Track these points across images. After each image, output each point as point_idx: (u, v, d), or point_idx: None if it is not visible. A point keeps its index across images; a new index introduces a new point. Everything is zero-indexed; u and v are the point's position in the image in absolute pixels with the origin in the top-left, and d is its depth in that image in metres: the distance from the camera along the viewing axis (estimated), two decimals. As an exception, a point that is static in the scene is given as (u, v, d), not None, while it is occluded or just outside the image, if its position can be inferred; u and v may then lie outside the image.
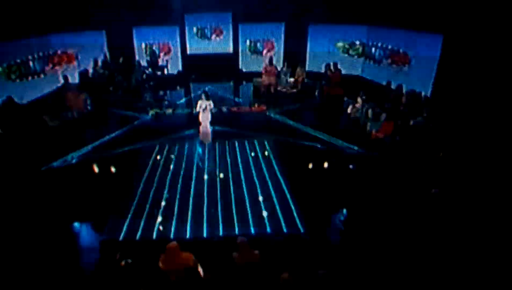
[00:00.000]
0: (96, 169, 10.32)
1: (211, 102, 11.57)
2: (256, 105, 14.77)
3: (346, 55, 17.23)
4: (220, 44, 19.31)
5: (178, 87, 18.01)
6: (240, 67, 18.86)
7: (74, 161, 10.80)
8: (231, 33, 18.96)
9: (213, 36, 19.15)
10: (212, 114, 11.78)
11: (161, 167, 10.42)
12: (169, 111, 14.67)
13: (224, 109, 14.68)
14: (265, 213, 8.41)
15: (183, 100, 16.13)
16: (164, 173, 10.14)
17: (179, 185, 9.58)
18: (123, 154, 11.20)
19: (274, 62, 16.39)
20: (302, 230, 7.89)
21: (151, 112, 14.43)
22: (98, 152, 11.34)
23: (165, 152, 11.32)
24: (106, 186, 9.46)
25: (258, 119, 13.96)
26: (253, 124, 13.40)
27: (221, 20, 18.90)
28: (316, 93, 15.39)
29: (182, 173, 10.15)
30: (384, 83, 14.97)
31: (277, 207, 8.64)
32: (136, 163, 10.66)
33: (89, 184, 9.58)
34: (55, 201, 8.77)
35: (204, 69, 18.71)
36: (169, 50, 18.52)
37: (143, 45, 18.39)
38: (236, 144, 11.86)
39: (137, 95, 16.02)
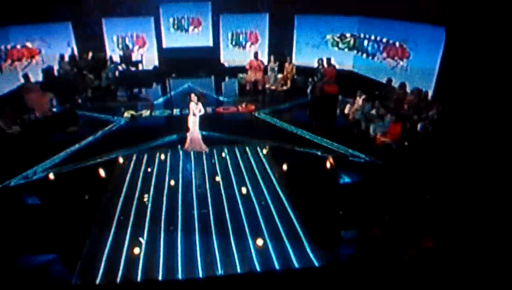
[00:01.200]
0: (62, 188, 8.72)
1: (200, 106, 10.05)
2: (243, 105, 13.31)
3: (335, 48, 15.93)
4: (198, 36, 17.71)
5: (154, 84, 16.35)
6: (222, 61, 17.31)
7: (36, 177, 9.16)
8: (210, 24, 17.40)
9: (191, 28, 17.55)
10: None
11: (140, 186, 8.80)
12: (147, 113, 13.07)
13: (209, 109, 13.19)
14: (269, 244, 7.00)
15: (161, 100, 14.51)
16: (143, 194, 8.50)
17: (163, 213, 7.83)
18: (95, 167, 9.57)
19: (259, 56, 15.01)
20: (317, 264, 6.57)
21: (126, 115, 12.81)
22: (66, 164, 9.71)
23: (143, 165, 9.76)
24: (75, 211, 7.85)
25: (247, 121, 12.49)
26: (242, 127, 11.92)
27: (200, 11, 17.29)
28: (308, 91, 14.05)
29: (165, 194, 8.46)
30: (379, 79, 13.86)
31: (284, 236, 7.23)
32: (110, 179, 9.08)
33: (54, 207, 7.93)
34: (10, 231, 7.19)
35: (182, 64, 17.10)
36: (144, 43, 16.80)
37: (115, 38, 16.58)
38: (226, 151, 10.44)
39: (110, 94, 14.34)
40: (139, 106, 13.65)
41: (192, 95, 9.92)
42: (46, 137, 11.19)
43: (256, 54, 14.75)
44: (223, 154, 10.26)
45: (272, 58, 14.84)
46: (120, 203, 8.09)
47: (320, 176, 9.27)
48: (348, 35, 15.55)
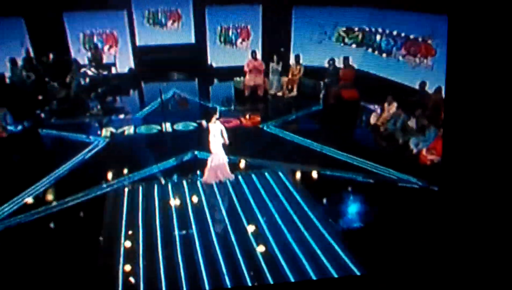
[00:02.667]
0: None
1: (221, 126, 8.10)
2: (247, 116, 11.26)
3: (341, 44, 14.13)
4: (177, 32, 15.45)
5: (131, 91, 14.00)
6: (209, 61, 15.12)
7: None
8: (192, 18, 15.18)
9: (169, 23, 15.26)
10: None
11: (134, 243, 6.65)
12: (130, 130, 10.79)
13: (205, 122, 11.09)
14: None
15: (145, 111, 12.15)
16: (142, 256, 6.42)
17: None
18: (66, 213, 7.35)
19: (259, 56, 13.01)
20: None
21: (104, 134, 10.48)
22: (25, 210, 7.40)
23: (140, 206, 7.58)
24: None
25: (256, 137, 10.46)
26: (252, 145, 9.91)
27: (179, 2, 15.05)
28: (321, 97, 12.17)
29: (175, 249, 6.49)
30: (400, 80, 12.19)
31: None
32: (90, 232, 6.85)
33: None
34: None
35: (161, 66, 14.83)
36: (116, 42, 14.37)
37: (81, 37, 14.09)
38: (241, 179, 8.46)
39: (80, 106, 11.91)
40: (119, 120, 11.33)
41: (215, 116, 7.97)
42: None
43: (254, 53, 12.72)
44: (241, 184, 8.29)
45: (275, 57, 12.81)
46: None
47: (374, 211, 7.43)
48: (356, 29, 13.76)
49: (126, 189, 8.01)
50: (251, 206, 7.58)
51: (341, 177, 8.45)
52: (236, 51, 14.77)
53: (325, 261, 6.20)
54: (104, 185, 8.14)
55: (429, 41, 11.45)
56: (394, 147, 9.66)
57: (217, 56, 14.97)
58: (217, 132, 8.00)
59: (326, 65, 12.10)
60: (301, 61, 12.72)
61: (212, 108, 8.51)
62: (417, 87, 11.23)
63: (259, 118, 11.22)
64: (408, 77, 11.95)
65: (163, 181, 8.31)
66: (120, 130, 10.70)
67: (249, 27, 14.85)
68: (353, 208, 7.61)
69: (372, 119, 10.66)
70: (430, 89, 10.73)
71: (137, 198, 7.78)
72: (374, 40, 13.40)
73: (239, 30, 14.83)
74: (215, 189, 8.21)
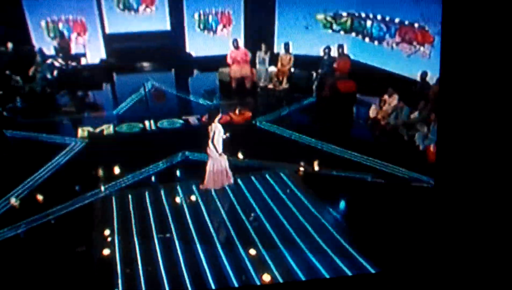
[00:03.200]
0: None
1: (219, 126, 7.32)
2: (237, 112, 10.45)
3: (329, 31, 13.46)
4: (151, 18, 14.35)
5: (104, 84, 12.84)
6: (188, 50, 14.10)
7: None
8: (166, 2, 14.12)
9: (141, 8, 14.15)
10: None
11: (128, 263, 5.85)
12: (109, 129, 9.80)
13: (194, 119, 10.25)
14: None
15: (124, 106, 11.11)
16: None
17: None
18: (41, 230, 6.44)
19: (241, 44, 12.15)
20: None
21: (80, 134, 9.46)
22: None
23: (133, 222, 6.74)
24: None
25: (249, 134, 9.69)
26: (246, 143, 9.15)
27: (152, -15, 13.98)
28: (314, 89, 11.49)
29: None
30: (394, 70, 11.67)
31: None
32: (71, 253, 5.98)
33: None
34: None
35: (135, 56, 13.76)
36: (84, 30, 13.12)
37: (43, 24, 12.75)
38: (240, 182, 7.75)
39: (49, 102, 10.77)
40: (94, 118, 10.31)
41: (219, 116, 7.26)
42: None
43: (235, 42, 11.87)
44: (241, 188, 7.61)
45: (262, 46, 11.99)
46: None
47: (389, 215, 6.89)
48: (344, 14, 13.11)
49: (114, 199, 7.16)
50: (255, 211, 6.94)
51: (351, 178, 7.90)
52: (217, 38, 13.85)
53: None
54: (87, 195, 7.24)
55: (426, 28, 10.97)
56: (399, 143, 9.17)
57: (196, 45, 13.98)
58: (219, 134, 7.25)
59: (322, 53, 11.40)
60: (290, 50, 11.97)
61: (214, 106, 7.68)
62: (413, 77, 10.82)
63: (250, 114, 10.47)
64: (403, 67, 11.47)
65: (154, 188, 7.50)
66: (98, 130, 9.69)
67: (230, 12, 13.92)
68: (368, 211, 7.06)
69: (372, 113, 10.12)
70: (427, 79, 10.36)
71: (127, 208, 6.94)
72: (365, 26, 12.80)
73: (219, 16, 13.88)
74: (214, 195, 7.50)
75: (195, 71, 13.99)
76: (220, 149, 7.35)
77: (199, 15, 13.79)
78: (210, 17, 13.87)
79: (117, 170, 8.01)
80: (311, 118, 10.90)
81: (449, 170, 7.47)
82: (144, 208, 6.97)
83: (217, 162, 7.35)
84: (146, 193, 7.32)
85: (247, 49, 12.10)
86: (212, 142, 7.26)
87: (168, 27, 14.44)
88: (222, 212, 7.06)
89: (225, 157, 7.41)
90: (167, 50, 14.07)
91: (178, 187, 7.61)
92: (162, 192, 7.39)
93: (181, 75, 13.94)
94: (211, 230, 6.53)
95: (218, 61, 12.45)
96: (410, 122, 9.30)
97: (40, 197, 7.23)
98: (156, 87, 12.21)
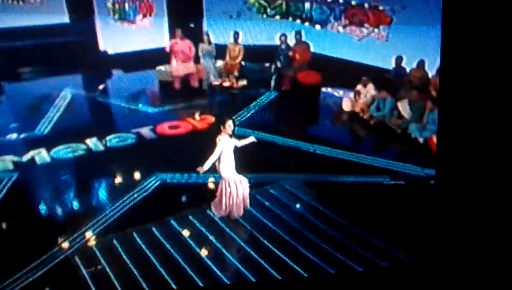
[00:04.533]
0: None
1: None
2: (196, 117, 8.99)
3: (263, 16, 12.46)
4: (42, 7, 11.81)
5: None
6: (103, 47, 11.89)
7: None
8: (63, -13, 11.77)
9: (28, -5, 11.60)
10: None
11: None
12: (41, 155, 7.60)
13: (147, 131, 8.53)
14: None
15: (46, 123, 8.73)
16: None
17: None
18: None
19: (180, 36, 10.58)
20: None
21: (2, 166, 7.15)
22: None
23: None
24: None
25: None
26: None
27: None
28: (272, 83, 10.45)
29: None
30: (346, 57, 11.17)
31: None
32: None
33: None
34: None
35: (29, 56, 11.19)
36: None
37: None
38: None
39: None
40: (14, 143, 7.96)
41: (228, 122, 5.79)
42: None
43: (175, 32, 10.35)
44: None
45: (206, 36, 10.55)
46: None
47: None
48: (279, -4, 12.28)
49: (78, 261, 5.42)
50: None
51: (364, 183, 7.21)
52: (138, 30, 11.95)
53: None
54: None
55: (380, 7, 10.63)
56: (392, 137, 8.71)
57: (114, 39, 11.88)
58: (230, 148, 5.98)
59: (278, 42, 10.42)
60: (239, 40, 10.75)
61: (225, 116, 6.29)
62: (368, 63, 10.53)
63: (212, 118, 9.09)
64: (355, 52, 11.07)
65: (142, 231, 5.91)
66: (26, 158, 7.47)
67: (149, -2, 12.12)
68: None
69: (346, 106, 9.54)
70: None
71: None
72: (303, 9, 12.09)
73: (137, 3, 11.96)
74: (220, 223, 6.24)
75: (116, 72, 11.91)
76: (229, 166, 6.10)
77: (113, 3, 11.71)
78: (127, 5, 11.89)
79: (70, 211, 6.19)
80: (282, 116, 9.92)
81: (450, 162, 7.18)
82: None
83: (233, 183, 6.14)
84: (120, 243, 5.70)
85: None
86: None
87: (67, 19, 12.04)
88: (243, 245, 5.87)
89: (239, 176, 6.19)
90: (70, 47, 11.72)
91: (173, 222, 6.14)
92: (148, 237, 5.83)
93: (97, 78, 11.74)
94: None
95: (146, 58, 10.71)
96: (399, 113, 8.89)
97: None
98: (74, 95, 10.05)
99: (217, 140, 5.99)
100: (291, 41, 10.52)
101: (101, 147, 7.93)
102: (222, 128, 5.97)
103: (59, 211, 6.33)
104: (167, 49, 10.25)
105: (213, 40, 10.59)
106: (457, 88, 6.72)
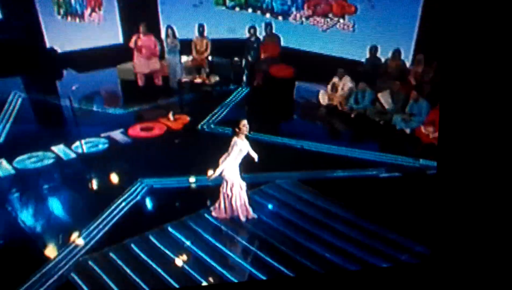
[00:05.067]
0: None
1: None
2: (170, 117, 8.36)
3: (223, 7, 11.89)
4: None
5: None
6: (49, 45, 10.77)
7: None
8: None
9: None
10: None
11: None
12: (3, 166, 6.65)
13: (118, 134, 7.79)
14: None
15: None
16: None
17: None
18: None
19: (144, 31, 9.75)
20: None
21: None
22: None
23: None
24: None
25: (207, 144, 7.70)
26: (209, 155, 7.27)
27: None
28: (244, 78, 10.04)
29: None
30: (311, 49, 11.01)
31: None
32: None
33: None
34: None
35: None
36: None
37: None
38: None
39: None
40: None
41: (243, 123, 5.23)
42: None
43: (143, 25, 9.62)
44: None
45: (170, 31, 9.88)
46: None
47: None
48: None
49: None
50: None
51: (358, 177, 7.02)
52: (87, 26, 11.02)
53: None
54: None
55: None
56: (376, 129, 8.62)
57: (61, 36, 10.81)
58: (244, 152, 5.49)
59: (247, 34, 10.01)
60: (205, 33, 10.19)
61: (238, 118, 5.66)
62: (335, 54, 10.49)
63: (187, 117, 8.53)
64: (321, 44, 10.94)
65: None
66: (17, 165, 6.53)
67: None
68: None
69: (322, 100, 9.36)
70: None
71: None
72: (263, 0, 11.66)
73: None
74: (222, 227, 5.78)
75: (68, 72, 10.88)
76: (235, 169, 5.63)
77: (58, -2, 10.67)
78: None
79: (53, 228, 5.44)
80: (260, 113, 9.47)
81: (452, 154, 7.18)
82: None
83: (237, 185, 5.66)
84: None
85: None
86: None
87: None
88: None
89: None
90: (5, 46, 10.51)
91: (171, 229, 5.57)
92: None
93: (48, 79, 10.62)
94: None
95: (102, 56, 9.95)
96: (380, 104, 8.84)
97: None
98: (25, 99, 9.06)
99: (232, 143, 5.41)
100: (261, 34, 10.18)
101: (72, 155, 7.10)
102: (237, 130, 5.37)
103: (35, 227, 5.49)
104: (131, 45, 9.47)
105: (177, 35, 9.97)
106: (458, 79, 6.67)
